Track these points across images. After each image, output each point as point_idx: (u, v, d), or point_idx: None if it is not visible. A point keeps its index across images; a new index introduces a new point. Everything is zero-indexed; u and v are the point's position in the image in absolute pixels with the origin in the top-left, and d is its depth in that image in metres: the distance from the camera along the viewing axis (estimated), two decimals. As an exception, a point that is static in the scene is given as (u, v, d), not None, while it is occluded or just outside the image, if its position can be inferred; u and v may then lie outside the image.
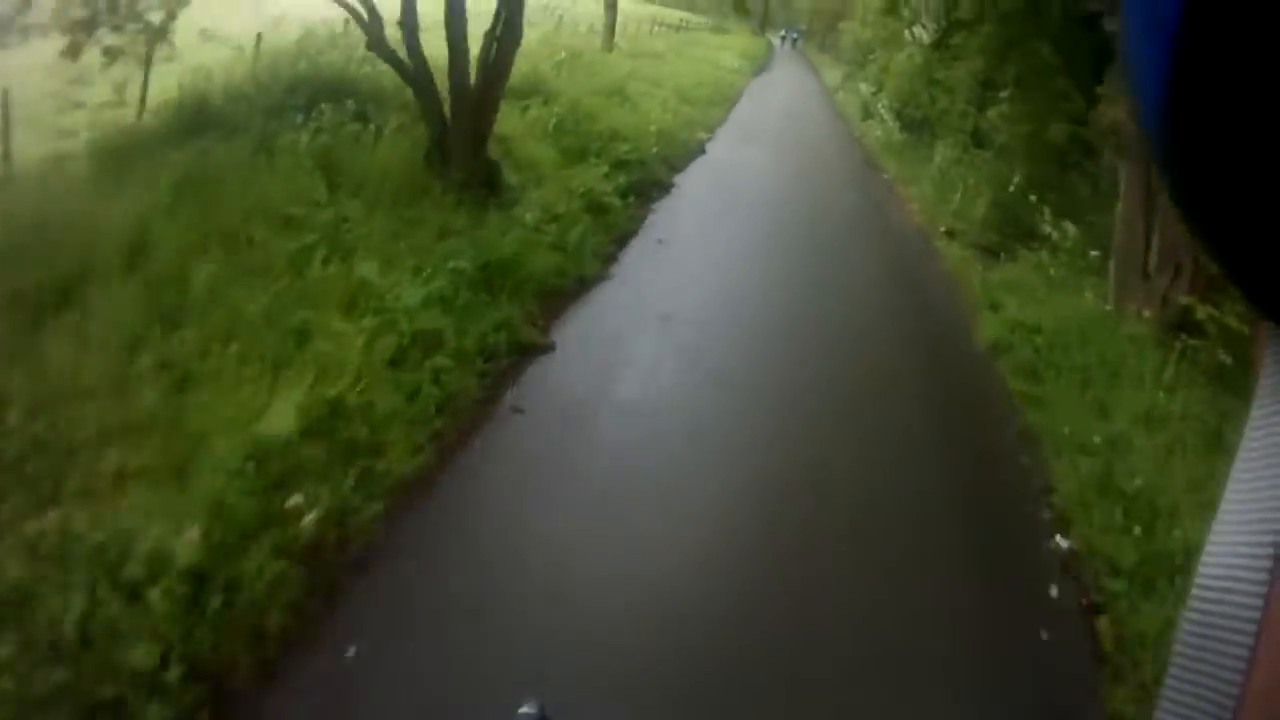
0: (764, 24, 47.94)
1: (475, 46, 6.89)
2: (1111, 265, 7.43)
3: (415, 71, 6.86)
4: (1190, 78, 0.27)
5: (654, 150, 9.90)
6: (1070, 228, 8.92)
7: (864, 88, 20.10)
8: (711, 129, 14.17)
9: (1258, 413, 0.32)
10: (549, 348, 5.14)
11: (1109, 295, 7.31)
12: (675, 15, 40.40)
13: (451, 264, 5.26)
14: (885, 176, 13.76)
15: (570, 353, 5.18)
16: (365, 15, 6.85)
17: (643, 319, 5.77)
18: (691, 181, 10.09)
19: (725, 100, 18.06)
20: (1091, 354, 6.24)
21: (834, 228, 9.57)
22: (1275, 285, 0.28)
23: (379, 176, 6.25)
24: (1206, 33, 0.26)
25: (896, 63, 17.27)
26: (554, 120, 8.87)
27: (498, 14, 7.12)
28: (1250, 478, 0.31)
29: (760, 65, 30.03)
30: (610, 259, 6.76)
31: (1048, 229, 9.19)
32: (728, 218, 8.80)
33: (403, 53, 6.83)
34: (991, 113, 12.26)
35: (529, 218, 6.47)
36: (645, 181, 8.97)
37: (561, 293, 5.89)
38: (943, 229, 10.23)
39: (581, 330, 5.53)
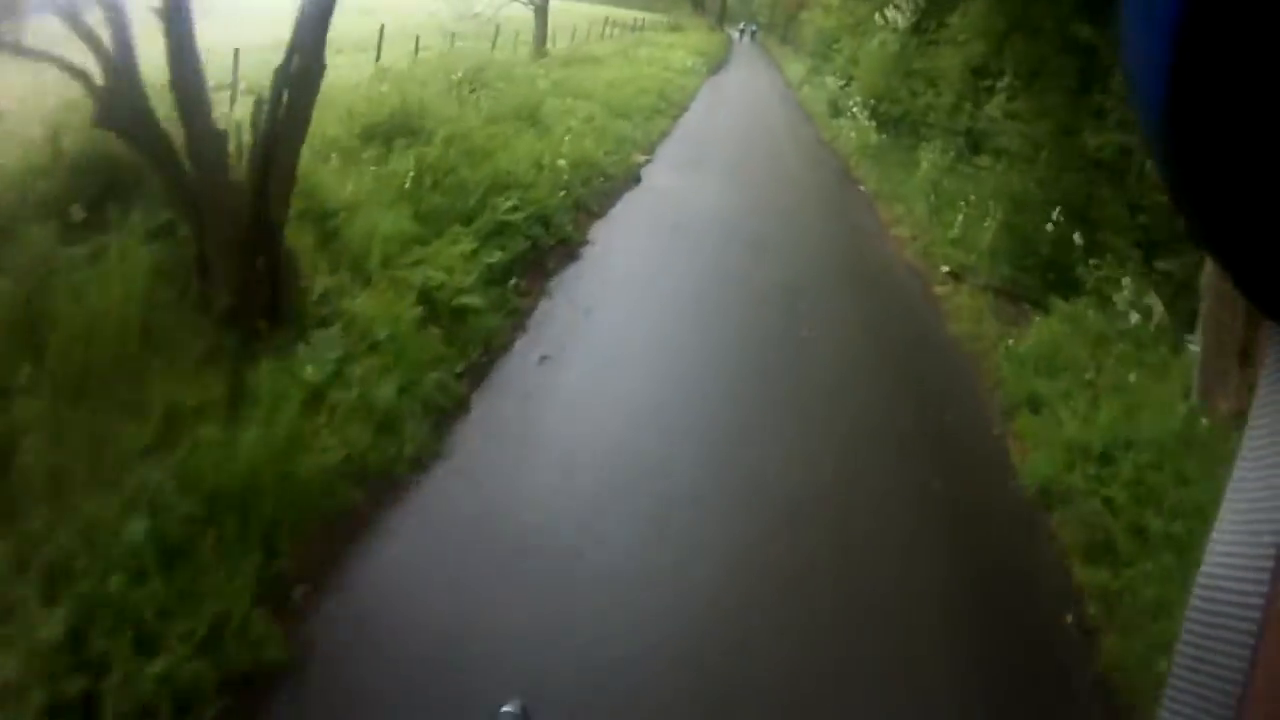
0: (722, 19, 45.72)
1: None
2: (1198, 340, 5.11)
3: (152, 149, 4.42)
4: (1191, 77, 0.26)
5: (560, 195, 7.47)
6: (1118, 270, 6.62)
7: (830, 81, 17.76)
8: (652, 148, 11.76)
9: (1259, 412, 0.32)
10: (294, 665, 2.73)
11: (1193, 386, 5.00)
12: (630, 15, 38.51)
13: (135, 529, 2.86)
14: (863, 190, 11.39)
15: (335, 679, 2.76)
16: (99, 76, 4.33)
17: (489, 560, 3.31)
18: (614, 234, 7.62)
19: (673, 107, 15.66)
20: (1187, 501, 3.93)
21: (804, 282, 7.15)
22: (1276, 285, 0.29)
23: (95, 328, 3.83)
24: (1207, 32, 0.25)
25: (867, 51, 14.94)
26: (413, 172, 6.43)
27: (292, 46, 4.70)
28: (1252, 477, 0.31)
29: (717, 63, 27.66)
30: (450, 416, 4.30)
31: (1089, 270, 6.88)
32: (657, 290, 6.34)
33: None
34: (991, 108, 9.94)
35: (312, 370, 4.03)
36: (540, 247, 6.54)
37: (349, 516, 3.46)
38: (945, 269, 7.88)
39: (371, 604, 3.08)
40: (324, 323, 4.68)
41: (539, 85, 11.97)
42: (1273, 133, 0.25)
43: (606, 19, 31.90)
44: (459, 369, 4.72)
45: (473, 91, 10.20)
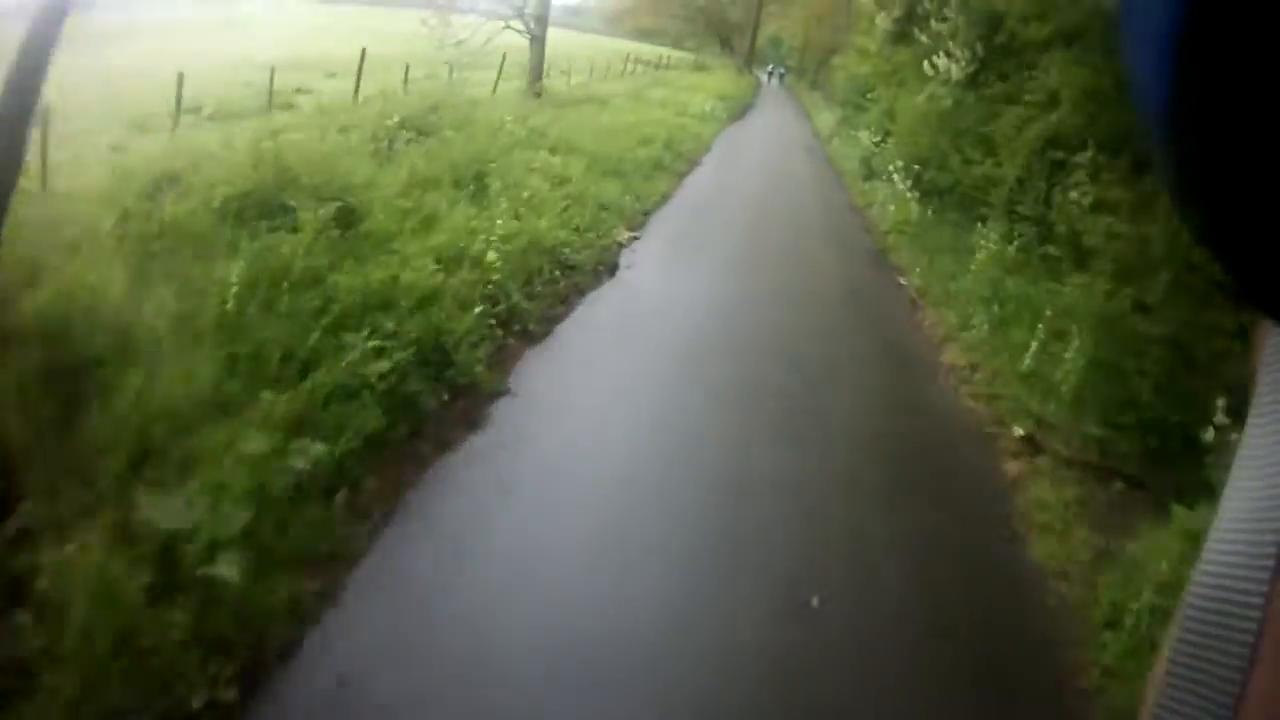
0: (749, 61, 43.67)
1: None
2: None
3: None
4: (1191, 83, 0.27)
5: (477, 310, 5.25)
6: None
7: (864, 136, 15.55)
8: (643, 219, 9.55)
9: (1258, 413, 0.31)
10: None
11: None
12: (655, 52, 36.92)
13: None
14: (904, 284, 9.12)
15: None
16: None
17: None
18: (550, 375, 5.25)
19: (681, 161, 13.49)
20: None
21: (822, 480, 4.76)
22: (1275, 285, 0.29)
23: None
24: (1206, 39, 0.26)
25: (908, 105, 12.69)
26: (236, 287, 4.23)
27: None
28: (1250, 477, 0.31)
29: (741, 107, 25.55)
30: None
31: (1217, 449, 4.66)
32: (588, 511, 3.92)
33: None
34: (1073, 191, 7.69)
35: None
36: (419, 410, 4.29)
37: None
38: (1019, 431, 5.60)
39: None
40: (12, 594, 2.54)
41: (507, 133, 9.79)
42: (1271, 137, 0.25)
43: (629, 55, 30.18)
44: (196, 703, 2.50)
45: (410, 142, 8.05)
